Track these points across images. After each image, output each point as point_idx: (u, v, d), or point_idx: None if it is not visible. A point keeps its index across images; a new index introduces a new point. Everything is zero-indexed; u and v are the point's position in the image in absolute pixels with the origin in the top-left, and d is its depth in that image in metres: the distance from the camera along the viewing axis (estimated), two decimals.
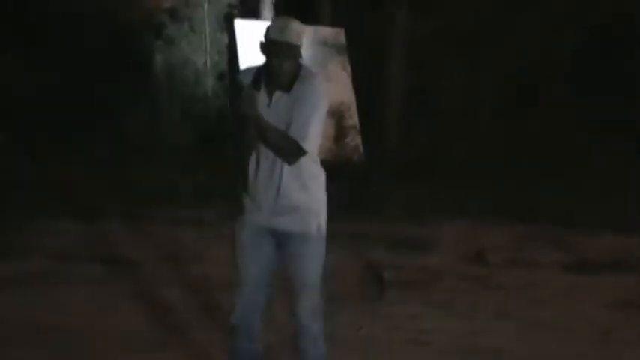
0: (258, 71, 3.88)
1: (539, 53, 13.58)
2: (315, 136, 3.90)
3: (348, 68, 12.89)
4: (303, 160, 3.89)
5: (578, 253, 7.82)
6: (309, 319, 4.09)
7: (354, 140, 12.42)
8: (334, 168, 11.10)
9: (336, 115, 12.38)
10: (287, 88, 3.85)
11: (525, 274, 7.26)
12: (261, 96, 3.84)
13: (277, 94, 3.85)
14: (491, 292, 6.75)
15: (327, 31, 13.10)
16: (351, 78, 12.84)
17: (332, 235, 7.93)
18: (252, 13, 13.07)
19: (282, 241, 3.99)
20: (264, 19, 13.02)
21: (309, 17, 13.25)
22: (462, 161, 11.39)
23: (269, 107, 3.84)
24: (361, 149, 12.40)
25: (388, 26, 12.84)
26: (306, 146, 3.83)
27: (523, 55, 13.49)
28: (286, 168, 3.88)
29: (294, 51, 3.81)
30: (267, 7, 13.50)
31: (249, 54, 12.42)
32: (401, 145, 12.51)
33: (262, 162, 3.88)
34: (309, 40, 12.78)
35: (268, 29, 3.83)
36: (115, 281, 6.46)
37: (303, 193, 3.97)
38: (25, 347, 5.02)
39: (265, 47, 3.81)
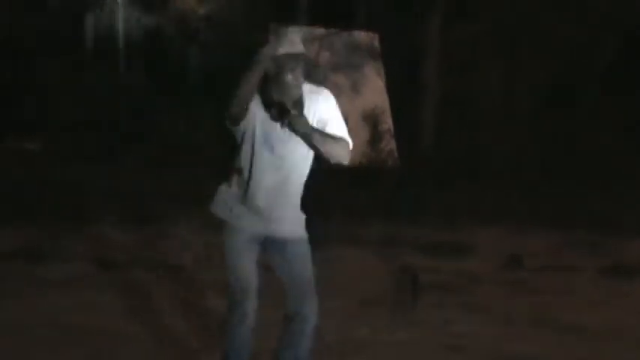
0: (263, 95, 3.84)
1: (575, 58, 13.50)
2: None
3: (382, 73, 12.93)
4: (306, 168, 3.99)
5: (614, 258, 7.76)
6: (315, 314, 4.10)
7: (389, 144, 12.44)
8: (369, 172, 11.20)
9: (371, 119, 12.41)
10: (299, 109, 3.84)
11: (561, 280, 7.21)
12: (271, 118, 3.85)
13: (290, 115, 3.82)
14: (527, 298, 6.71)
15: (361, 36, 13.14)
16: (385, 83, 12.87)
17: (367, 240, 8.01)
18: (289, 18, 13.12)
19: (278, 246, 4.02)
20: (301, 24, 13.09)
21: (344, 22, 13.30)
22: (498, 166, 11.35)
23: (282, 128, 3.86)
24: (396, 153, 12.41)
25: (423, 31, 12.83)
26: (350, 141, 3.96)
27: (559, 61, 13.42)
28: (294, 180, 3.96)
29: (304, 60, 3.83)
30: (303, 14, 13.56)
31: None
32: (436, 149, 12.49)
33: (269, 174, 3.89)
34: (343, 44, 12.88)
35: (275, 46, 3.80)
36: (154, 286, 6.51)
37: (298, 200, 4.06)
38: (65, 349, 5.07)
39: (278, 63, 3.76)
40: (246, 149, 3.92)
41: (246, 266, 4.01)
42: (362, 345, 5.42)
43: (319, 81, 12.47)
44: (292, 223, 4.05)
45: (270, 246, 4.03)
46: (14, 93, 11.19)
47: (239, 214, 3.97)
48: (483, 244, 8.14)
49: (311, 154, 3.96)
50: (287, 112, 3.79)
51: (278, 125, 3.86)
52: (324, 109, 3.94)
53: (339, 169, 10.45)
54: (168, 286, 6.48)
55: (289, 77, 3.79)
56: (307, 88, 3.91)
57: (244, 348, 4.13)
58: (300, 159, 3.95)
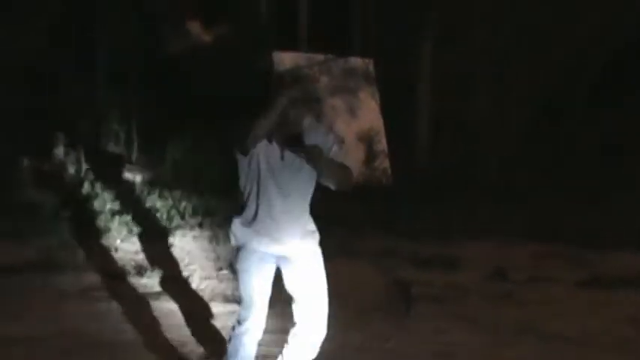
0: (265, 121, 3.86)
1: (562, 78, 13.51)
2: None
3: (377, 96, 12.96)
4: (311, 189, 4.07)
5: (593, 270, 7.77)
6: (324, 327, 4.14)
7: (383, 163, 12.46)
8: (364, 189, 11.21)
9: (366, 139, 12.44)
10: (298, 138, 3.91)
11: (544, 291, 7.23)
12: (273, 150, 3.92)
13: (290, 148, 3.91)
14: (512, 308, 6.73)
15: (357, 62, 13.19)
16: (380, 105, 12.91)
17: (362, 253, 8.02)
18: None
19: (290, 263, 4.10)
20: (301, 50, 13.15)
21: (341, 49, 13.36)
22: (487, 184, 11.37)
23: (283, 160, 3.94)
24: (389, 172, 12.43)
25: (416, 55, 12.87)
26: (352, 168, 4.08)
27: (547, 81, 13.43)
28: (301, 204, 4.05)
29: (306, 97, 3.92)
30: (303, 41, 13.61)
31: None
32: (428, 168, 12.51)
33: (276, 203, 3.96)
34: (340, 69, 12.93)
35: (278, 78, 3.88)
36: (167, 296, 6.52)
37: (306, 218, 4.13)
38: (80, 358, 5.10)
39: (284, 101, 3.81)
40: (252, 178, 3.97)
41: (258, 286, 4.08)
42: (358, 351, 5.45)
43: (317, 100, 12.54)
44: (302, 239, 4.10)
45: (282, 263, 4.10)
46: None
47: (250, 236, 4.03)
48: (471, 257, 8.16)
49: (314, 176, 4.01)
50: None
51: (280, 157, 3.91)
52: (323, 140, 3.98)
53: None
54: (178, 296, 6.51)
55: (292, 114, 3.87)
56: (309, 123, 3.97)
57: (248, 355, 4.17)
58: (304, 185, 4.02)
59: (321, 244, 8.01)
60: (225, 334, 5.44)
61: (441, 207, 10.00)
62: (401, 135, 12.76)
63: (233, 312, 6.10)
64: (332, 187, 4.04)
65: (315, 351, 4.24)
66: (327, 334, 5.64)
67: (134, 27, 12.31)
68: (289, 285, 4.15)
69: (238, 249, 4.09)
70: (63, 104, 11.37)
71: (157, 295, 6.49)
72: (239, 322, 4.14)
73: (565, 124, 13.58)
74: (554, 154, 12.75)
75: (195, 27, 12.46)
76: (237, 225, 4.07)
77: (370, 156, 12.39)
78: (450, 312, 6.51)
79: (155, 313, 6.06)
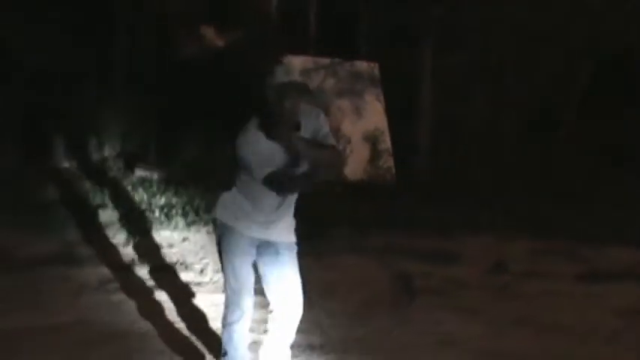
0: (264, 125, 3.86)
1: (556, 85, 13.53)
2: None
3: (382, 98, 12.93)
4: None
5: (589, 264, 7.75)
6: (300, 311, 4.12)
7: (387, 162, 12.43)
8: (369, 187, 11.20)
9: (371, 139, 12.41)
10: (297, 127, 3.88)
11: (542, 284, 7.20)
12: (273, 144, 3.86)
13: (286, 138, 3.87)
14: (511, 300, 6.71)
15: (362, 65, 13.17)
16: (385, 107, 12.88)
17: (366, 248, 8.01)
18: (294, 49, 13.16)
19: (272, 249, 4.05)
20: (309, 54, 13.12)
21: (347, 52, 13.34)
22: (486, 182, 11.34)
23: (285, 152, 3.90)
24: (393, 170, 12.40)
25: (418, 61, 12.86)
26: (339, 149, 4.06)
27: (541, 87, 13.45)
28: (290, 198, 4.03)
29: (301, 87, 3.87)
30: (311, 46, 13.59)
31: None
32: (430, 167, 12.49)
33: (267, 198, 3.93)
34: (346, 72, 12.94)
35: (274, 76, 3.83)
36: (181, 288, 6.52)
37: (292, 210, 4.13)
38: (98, 346, 5.10)
39: (277, 91, 3.80)
40: (246, 174, 3.93)
41: (245, 268, 4.01)
42: (362, 342, 5.44)
43: (325, 104, 12.53)
44: (288, 229, 4.09)
45: (264, 249, 4.04)
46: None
47: (242, 221, 3.98)
48: (471, 252, 8.14)
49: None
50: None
51: (272, 157, 3.87)
52: (315, 123, 3.96)
53: (343, 184, 10.41)
54: (192, 288, 6.50)
55: (287, 104, 3.81)
56: (301, 108, 3.93)
57: (242, 343, 4.11)
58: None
59: (327, 240, 8.05)
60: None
61: (441, 204, 9.97)
62: (404, 135, 12.75)
63: None
64: (323, 174, 3.98)
65: (293, 334, 4.17)
66: (333, 325, 5.66)
67: (150, 29, 12.31)
68: (269, 270, 4.07)
69: (224, 233, 4.02)
70: (79, 103, 11.37)
71: (171, 287, 6.49)
72: (228, 309, 4.07)
73: (558, 127, 13.57)
74: (548, 157, 12.72)
75: (209, 32, 12.46)
76: (228, 205, 4.02)
77: (375, 155, 12.36)
78: (450, 304, 6.49)
79: (170, 305, 6.05)
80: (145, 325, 5.56)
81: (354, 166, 11.79)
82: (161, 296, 6.27)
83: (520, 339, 5.66)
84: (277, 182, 3.83)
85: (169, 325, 5.58)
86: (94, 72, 11.82)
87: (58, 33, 11.54)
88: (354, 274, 7.32)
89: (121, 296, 6.25)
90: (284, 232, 4.08)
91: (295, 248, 4.16)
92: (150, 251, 7.45)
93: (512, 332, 5.82)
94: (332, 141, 4.03)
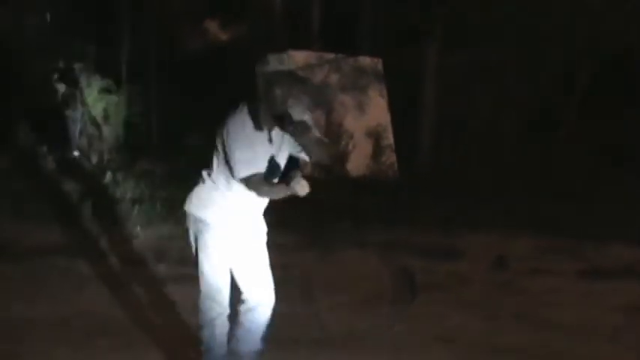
0: (253, 114, 3.80)
1: (556, 85, 13.54)
2: None
3: (385, 94, 12.94)
4: None
5: (590, 262, 7.74)
6: (273, 301, 4.07)
7: (390, 158, 12.44)
8: (371, 182, 11.21)
9: (374, 135, 12.42)
10: (280, 119, 3.82)
11: (543, 281, 7.20)
12: (261, 136, 3.81)
13: (276, 128, 3.83)
14: (512, 296, 6.71)
15: (366, 61, 13.16)
16: (388, 103, 12.89)
17: (368, 243, 8.02)
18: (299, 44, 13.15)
19: (247, 239, 3.98)
20: (313, 49, 13.12)
21: (351, 48, 13.34)
22: (488, 179, 11.35)
23: (271, 144, 3.85)
24: (396, 166, 12.41)
25: (422, 58, 12.87)
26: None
27: (542, 86, 13.45)
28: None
29: (293, 77, 3.84)
30: (315, 40, 13.59)
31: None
32: (432, 163, 12.50)
33: (247, 197, 3.88)
34: (350, 67, 12.94)
35: (267, 64, 3.81)
36: (185, 280, 6.52)
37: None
38: (100, 338, 5.11)
39: (268, 79, 3.78)
40: (225, 170, 3.87)
41: (224, 264, 3.95)
42: (364, 336, 5.44)
43: (329, 100, 12.54)
44: (261, 219, 4.05)
45: (239, 241, 3.96)
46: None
47: (221, 217, 3.90)
48: (473, 248, 8.14)
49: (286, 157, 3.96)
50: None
51: (268, 140, 3.83)
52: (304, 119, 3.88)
53: (346, 180, 10.40)
54: (196, 281, 6.50)
55: (278, 92, 3.77)
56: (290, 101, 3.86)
57: (224, 335, 4.04)
58: (280, 168, 3.94)
59: (329, 235, 8.06)
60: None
61: (443, 201, 9.97)
62: (406, 132, 12.76)
63: None
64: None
65: (267, 323, 4.10)
66: (336, 320, 5.67)
67: (155, 24, 12.33)
68: (243, 261, 4.00)
69: (201, 229, 3.92)
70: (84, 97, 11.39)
71: (175, 280, 6.49)
72: (210, 308, 3.99)
73: (559, 126, 13.58)
74: (549, 156, 12.73)
75: (213, 26, 12.47)
76: (204, 201, 3.93)
77: (378, 151, 12.37)
78: (451, 300, 6.50)
79: (173, 298, 6.06)
80: (150, 319, 5.57)
81: (357, 162, 11.79)
82: (165, 289, 6.28)
83: (521, 335, 5.66)
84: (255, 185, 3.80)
85: (174, 318, 5.59)
86: (99, 63, 11.85)
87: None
88: (356, 269, 7.32)
89: (123, 288, 6.27)
90: (259, 222, 4.04)
91: (266, 237, 4.10)
92: (152, 244, 7.47)
93: (513, 328, 5.82)
94: (319, 133, 3.98)
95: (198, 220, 3.94)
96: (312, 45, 13.45)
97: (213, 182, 3.91)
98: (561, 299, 6.65)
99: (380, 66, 13.11)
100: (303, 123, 3.80)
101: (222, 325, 4.02)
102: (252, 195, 3.87)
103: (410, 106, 12.86)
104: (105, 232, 7.80)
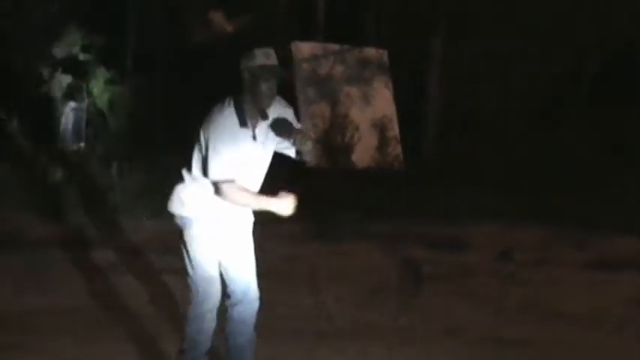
0: (239, 109, 3.75)
1: (564, 74, 13.49)
2: None
3: (390, 86, 12.91)
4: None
5: (597, 252, 7.72)
6: (258, 295, 4.01)
7: (395, 149, 12.42)
8: (377, 174, 11.20)
9: (379, 126, 12.40)
10: (265, 115, 3.78)
11: (549, 272, 7.19)
12: (246, 132, 3.76)
13: (260, 124, 3.79)
14: (517, 288, 6.69)
15: (371, 52, 13.13)
16: (393, 94, 12.86)
17: (374, 235, 8.02)
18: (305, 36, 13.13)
19: (234, 233, 3.93)
20: (318, 41, 13.10)
21: (356, 39, 13.31)
22: (493, 169, 11.32)
23: (255, 140, 3.80)
24: (401, 157, 12.39)
25: (427, 49, 12.83)
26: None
27: (550, 76, 13.40)
28: (262, 175, 3.93)
29: (279, 72, 3.80)
30: (320, 32, 13.57)
31: (306, 73, 12.53)
32: (438, 154, 12.48)
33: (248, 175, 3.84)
34: (355, 59, 12.91)
35: (252, 57, 3.74)
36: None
37: None
38: (110, 326, 5.12)
39: (254, 73, 3.71)
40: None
41: (214, 257, 3.91)
42: (370, 328, 5.44)
43: (334, 91, 12.52)
44: (249, 212, 3.99)
45: (226, 233, 3.92)
46: None
47: (206, 211, 3.86)
48: (479, 239, 8.13)
49: (272, 151, 3.91)
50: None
51: (252, 143, 3.78)
52: (283, 112, 3.86)
53: (351, 171, 10.39)
54: None
55: (264, 87, 3.72)
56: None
57: (211, 330, 4.00)
58: (267, 160, 3.90)
59: (335, 226, 8.05)
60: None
61: (449, 192, 9.96)
62: (412, 123, 12.73)
63: None
64: (298, 156, 3.87)
65: (256, 314, 4.03)
66: (342, 311, 5.67)
67: (160, 15, 12.31)
68: (230, 253, 3.95)
69: (187, 224, 3.90)
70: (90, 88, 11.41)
71: (181, 271, 6.49)
72: (200, 301, 3.94)
73: (566, 117, 13.53)
74: (555, 146, 12.69)
75: (217, 17, 12.43)
76: (186, 200, 3.89)
77: (383, 142, 12.35)
78: (457, 291, 6.49)
79: (178, 289, 6.05)
80: (156, 308, 5.57)
81: (363, 153, 11.78)
82: (172, 279, 6.29)
83: (527, 326, 5.65)
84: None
85: (178, 309, 5.59)
86: (104, 54, 11.85)
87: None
88: (362, 261, 7.33)
89: (128, 279, 6.28)
90: (245, 214, 3.98)
91: (251, 228, 4.05)
92: (159, 235, 7.46)
93: (519, 319, 5.82)
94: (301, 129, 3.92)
95: (181, 218, 3.92)
96: (317, 36, 13.42)
97: (194, 179, 3.86)
98: (567, 290, 6.64)
99: (385, 57, 13.08)
100: (284, 120, 3.78)
101: (211, 320, 3.98)
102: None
103: (415, 97, 12.83)
104: (110, 223, 7.81)
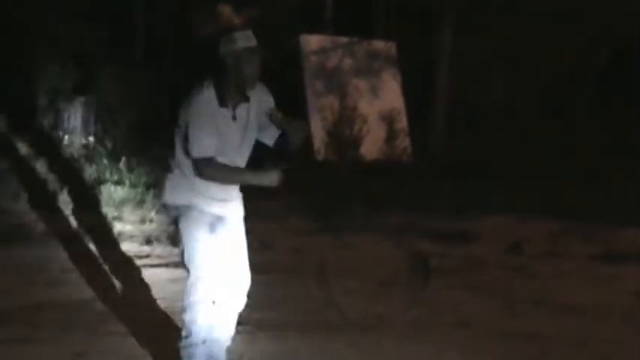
0: (219, 90, 3.74)
1: (571, 68, 13.45)
2: None
3: (399, 78, 12.89)
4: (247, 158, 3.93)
5: (605, 245, 7.70)
6: (249, 283, 3.99)
7: (404, 142, 12.40)
8: (385, 167, 11.18)
9: (387, 119, 12.38)
10: (247, 97, 3.78)
11: (557, 264, 7.18)
12: (227, 112, 3.76)
13: (240, 106, 3.78)
14: (526, 280, 6.69)
15: (380, 45, 13.10)
16: (401, 87, 12.83)
17: (383, 227, 8.02)
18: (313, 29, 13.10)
19: (228, 225, 3.91)
20: (326, 33, 13.07)
21: (365, 32, 13.28)
22: (501, 162, 11.30)
23: (235, 121, 3.78)
24: (409, 150, 12.37)
25: (435, 41, 12.79)
26: None
27: (556, 70, 13.36)
28: (244, 160, 3.90)
29: (260, 53, 3.77)
30: (328, 24, 13.54)
31: (315, 66, 12.52)
32: (446, 147, 12.45)
33: (225, 159, 3.79)
34: (363, 51, 12.88)
35: (234, 41, 3.74)
36: None
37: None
38: (122, 321, 5.13)
39: (237, 56, 3.70)
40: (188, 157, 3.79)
41: (209, 244, 3.87)
42: (379, 321, 5.44)
43: (343, 84, 12.50)
44: (240, 202, 3.98)
45: (218, 226, 3.90)
46: None
47: (199, 198, 3.83)
48: (487, 232, 8.12)
49: (254, 136, 3.89)
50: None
51: (232, 118, 3.77)
52: (263, 97, 3.86)
53: (359, 164, 10.38)
54: None
55: (249, 69, 3.71)
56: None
57: (207, 322, 3.94)
58: (249, 145, 3.89)
59: (344, 219, 8.05)
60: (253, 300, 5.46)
61: (457, 184, 9.95)
62: (419, 116, 12.71)
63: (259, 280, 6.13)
64: (288, 144, 3.82)
65: (242, 307, 4.03)
66: (350, 305, 5.67)
67: (170, 8, 12.30)
68: (223, 245, 3.91)
69: (184, 211, 3.84)
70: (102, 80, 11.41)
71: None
72: (195, 290, 3.88)
73: (573, 109, 13.48)
74: (563, 138, 12.64)
75: (226, 10, 12.39)
76: (178, 187, 3.84)
77: (391, 135, 12.33)
78: (466, 284, 6.48)
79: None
80: (166, 300, 5.58)
81: (371, 146, 11.76)
82: (180, 271, 6.29)
83: (536, 319, 5.64)
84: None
85: None
86: (114, 48, 11.84)
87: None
88: (371, 254, 7.33)
89: (138, 272, 6.29)
90: (238, 206, 3.97)
91: (243, 220, 4.02)
92: (166, 228, 7.48)
93: (528, 312, 5.81)
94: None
95: (173, 208, 3.88)
96: (325, 29, 13.40)
97: (178, 167, 3.84)
98: (576, 283, 6.63)
99: (393, 50, 13.05)
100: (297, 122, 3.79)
101: (206, 309, 3.97)
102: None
103: (423, 89, 12.80)
104: (119, 217, 7.83)
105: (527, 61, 13.22)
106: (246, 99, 3.80)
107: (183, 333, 3.95)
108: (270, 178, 3.71)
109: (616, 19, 12.92)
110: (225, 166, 3.78)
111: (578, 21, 12.99)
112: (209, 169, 3.73)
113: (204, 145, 3.70)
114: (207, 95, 3.74)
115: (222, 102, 3.75)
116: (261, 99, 3.86)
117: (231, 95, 3.76)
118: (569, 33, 13.08)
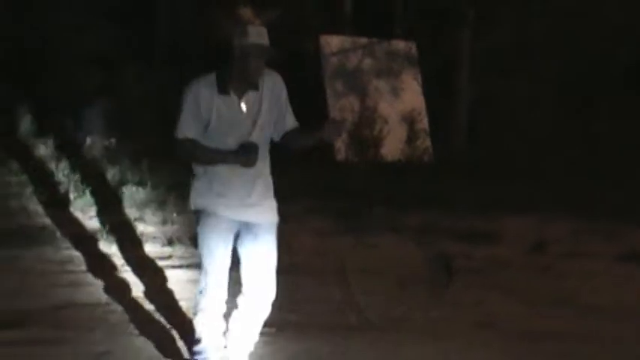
0: (220, 77, 3.80)
1: (595, 65, 13.33)
2: None
3: (419, 78, 12.83)
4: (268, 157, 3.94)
5: (630, 245, 7.61)
6: (273, 295, 3.99)
7: (425, 142, 12.35)
8: (406, 167, 11.15)
9: (408, 119, 12.34)
10: (256, 86, 3.80)
11: (582, 264, 7.11)
12: (230, 99, 3.79)
13: (249, 93, 3.80)
14: (550, 280, 6.64)
15: (400, 45, 13.06)
16: (422, 87, 12.79)
17: (405, 227, 7.98)
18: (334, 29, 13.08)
19: (252, 232, 3.90)
20: (346, 34, 13.04)
21: (385, 32, 13.24)
22: (525, 161, 11.23)
23: (241, 108, 3.80)
24: (431, 150, 12.32)
25: (456, 41, 12.74)
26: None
27: (580, 67, 13.25)
28: (264, 172, 3.91)
29: (269, 52, 3.79)
30: (348, 25, 13.51)
31: (335, 66, 12.50)
32: (468, 146, 12.39)
33: (239, 172, 3.79)
34: (384, 52, 12.85)
35: (246, 34, 3.73)
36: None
37: (269, 191, 3.98)
38: (144, 324, 5.14)
39: (245, 50, 3.73)
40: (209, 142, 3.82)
41: (221, 251, 3.87)
42: (400, 321, 5.42)
43: (363, 84, 12.47)
44: (269, 209, 3.95)
45: (244, 232, 3.90)
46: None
47: (216, 202, 3.84)
48: (511, 231, 8.05)
49: (268, 146, 3.91)
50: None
51: (237, 109, 3.79)
52: (276, 86, 3.89)
53: (381, 164, 10.32)
54: None
55: (253, 65, 3.74)
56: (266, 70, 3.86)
57: (217, 329, 4.00)
58: (263, 155, 3.87)
59: (365, 220, 8.02)
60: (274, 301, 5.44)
61: (480, 184, 9.88)
62: (440, 116, 12.66)
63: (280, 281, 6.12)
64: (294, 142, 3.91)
65: (263, 319, 4.04)
66: (372, 305, 5.65)
67: (191, 9, 12.34)
68: (246, 253, 3.92)
69: (201, 216, 3.88)
70: (120, 82, 11.45)
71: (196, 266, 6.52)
72: (205, 297, 3.92)
73: (597, 107, 13.36)
74: (586, 136, 12.54)
75: (246, 12, 12.41)
76: (201, 192, 3.87)
77: (412, 135, 12.29)
78: (489, 284, 6.45)
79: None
80: (187, 303, 5.58)
81: (392, 147, 11.73)
82: (194, 273, 6.30)
83: (560, 319, 5.60)
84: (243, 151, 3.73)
85: None
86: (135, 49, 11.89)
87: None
88: (393, 254, 7.29)
89: (160, 273, 6.30)
90: (264, 212, 3.92)
91: (275, 230, 3.98)
92: (188, 230, 7.48)
93: (551, 313, 5.76)
94: (290, 107, 3.95)
95: (197, 211, 3.92)
96: (345, 30, 13.38)
97: (201, 171, 3.88)
98: (600, 283, 6.57)
99: (414, 50, 13.01)
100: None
101: (215, 317, 3.97)
102: (242, 178, 3.80)
103: (444, 89, 12.75)
104: (141, 218, 7.84)
105: (550, 57, 13.12)
106: (256, 87, 3.81)
107: (195, 338, 4.01)
108: (247, 158, 3.73)
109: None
110: (202, 147, 3.80)
111: (602, 15, 12.86)
112: (183, 149, 3.82)
113: (183, 126, 3.82)
114: (205, 81, 3.81)
115: (223, 89, 3.78)
116: (274, 85, 3.88)
117: (234, 83, 3.78)
118: (593, 27, 12.95)
